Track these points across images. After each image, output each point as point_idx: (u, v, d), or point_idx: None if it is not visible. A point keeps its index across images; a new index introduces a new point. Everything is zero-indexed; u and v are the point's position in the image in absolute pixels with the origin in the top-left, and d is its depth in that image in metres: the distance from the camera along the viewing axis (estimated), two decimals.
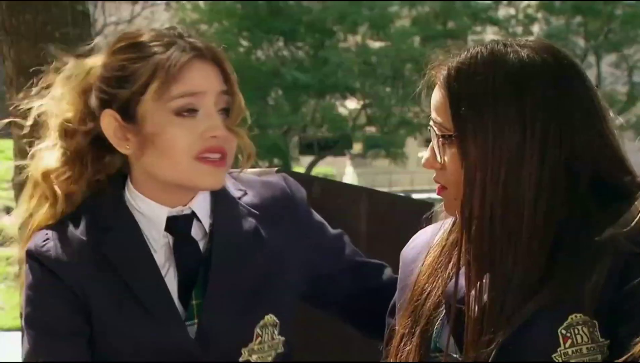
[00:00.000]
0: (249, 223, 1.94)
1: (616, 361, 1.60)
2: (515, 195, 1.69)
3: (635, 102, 24.84)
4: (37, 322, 1.89)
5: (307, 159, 27.45)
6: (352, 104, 26.09)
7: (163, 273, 1.89)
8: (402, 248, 2.04)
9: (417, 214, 2.16)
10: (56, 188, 1.93)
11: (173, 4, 26.92)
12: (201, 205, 1.93)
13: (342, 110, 25.91)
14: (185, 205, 1.91)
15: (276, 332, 1.93)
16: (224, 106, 1.88)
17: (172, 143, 1.84)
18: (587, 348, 1.64)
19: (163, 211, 1.90)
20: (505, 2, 26.45)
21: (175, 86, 1.83)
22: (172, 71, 1.83)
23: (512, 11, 26.82)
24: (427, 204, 2.86)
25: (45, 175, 1.95)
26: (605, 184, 1.72)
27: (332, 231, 2.08)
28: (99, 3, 26.86)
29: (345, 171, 34.61)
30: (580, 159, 1.71)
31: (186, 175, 1.86)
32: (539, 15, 26.49)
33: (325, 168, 30.51)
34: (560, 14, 25.71)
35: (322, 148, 26.44)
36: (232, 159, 1.90)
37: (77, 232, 1.90)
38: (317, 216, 2.07)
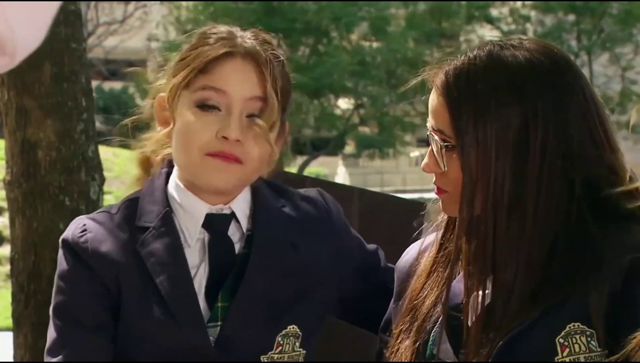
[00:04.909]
0: (287, 233, 1.94)
1: (611, 359, 1.59)
2: (518, 200, 1.68)
3: (627, 101, 24.85)
4: (65, 312, 1.89)
5: (299, 159, 27.46)
6: (345, 104, 26.11)
7: (195, 269, 1.89)
8: (393, 248, 2.04)
9: (408, 214, 2.16)
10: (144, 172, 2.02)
11: (167, 3, 26.88)
12: (241, 206, 1.93)
13: (335, 110, 25.91)
14: (226, 204, 1.92)
15: (297, 344, 1.91)
16: (254, 112, 1.86)
17: (189, 134, 1.85)
18: (584, 357, 1.63)
19: (203, 208, 1.90)
20: (499, 2, 26.45)
21: (203, 77, 1.85)
22: (203, 61, 1.84)
23: (505, 10, 26.82)
24: (419, 204, 2.86)
25: (142, 161, 2.02)
26: (599, 191, 1.71)
27: (368, 247, 2.08)
28: (92, 3, 26.81)
29: (337, 171, 34.61)
30: (575, 164, 1.70)
31: (196, 169, 1.87)
32: (532, 13, 26.50)
33: (317, 168, 30.50)
34: (553, 12, 25.68)
35: (315, 148, 26.44)
36: (255, 166, 1.88)
37: (115, 226, 1.91)
38: (354, 232, 2.07)
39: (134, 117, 2.03)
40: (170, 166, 1.96)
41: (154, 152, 2.00)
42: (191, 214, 1.91)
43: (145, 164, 2.02)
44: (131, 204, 1.94)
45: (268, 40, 1.91)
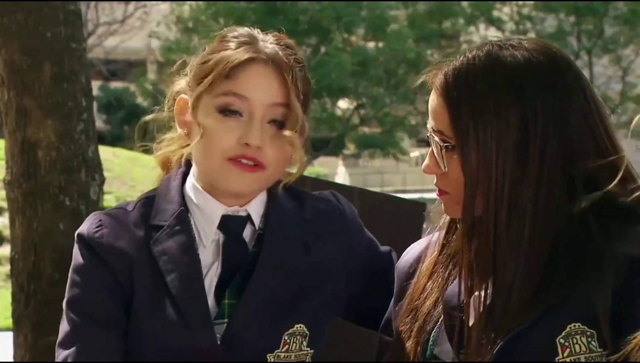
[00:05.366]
0: (299, 233, 1.94)
1: (611, 358, 1.58)
2: (519, 200, 1.68)
3: (627, 102, 24.88)
4: (79, 306, 1.90)
5: None
6: (345, 104, 26.15)
7: (207, 268, 1.89)
8: (393, 248, 2.04)
9: (408, 214, 2.16)
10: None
11: (168, 2, 26.89)
12: (255, 208, 1.94)
13: (335, 111, 25.96)
14: (242, 206, 1.92)
15: (305, 343, 1.91)
16: (276, 117, 1.86)
17: (211, 139, 1.85)
18: (585, 357, 1.62)
19: (219, 209, 1.91)
20: (499, 3, 26.46)
21: (226, 82, 1.85)
22: (227, 67, 1.84)
23: (506, 11, 26.85)
24: (418, 204, 2.86)
25: (163, 161, 2.02)
26: (601, 190, 1.70)
27: (381, 248, 2.08)
28: (92, 3, 26.82)
29: (337, 171, 34.61)
30: (576, 163, 1.69)
31: (216, 173, 1.87)
32: (533, 13, 26.50)
33: (318, 168, 30.50)
34: (555, 13, 25.68)
35: (315, 148, 26.51)
36: (275, 170, 1.89)
37: (130, 223, 1.92)
38: (368, 233, 2.07)
39: (151, 116, 2.03)
40: (187, 166, 1.97)
41: (173, 152, 2.01)
42: (207, 215, 1.91)
43: (166, 164, 2.03)
44: (147, 202, 1.95)
45: (290, 45, 1.91)
